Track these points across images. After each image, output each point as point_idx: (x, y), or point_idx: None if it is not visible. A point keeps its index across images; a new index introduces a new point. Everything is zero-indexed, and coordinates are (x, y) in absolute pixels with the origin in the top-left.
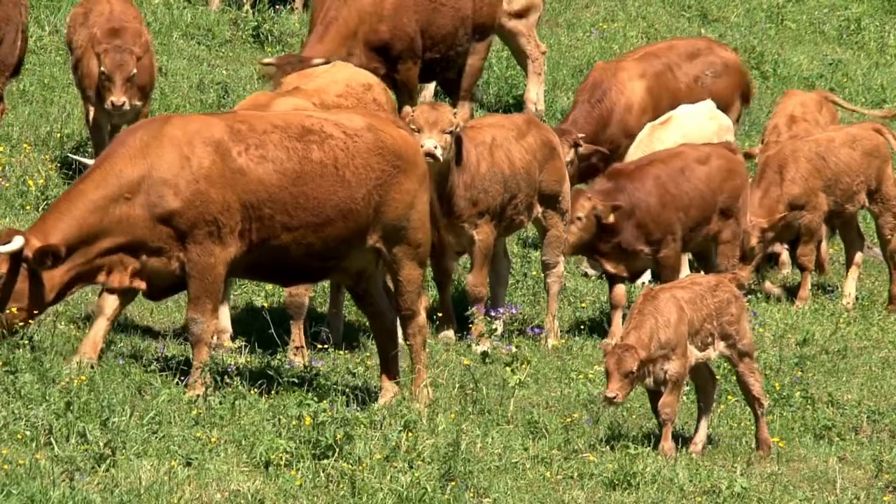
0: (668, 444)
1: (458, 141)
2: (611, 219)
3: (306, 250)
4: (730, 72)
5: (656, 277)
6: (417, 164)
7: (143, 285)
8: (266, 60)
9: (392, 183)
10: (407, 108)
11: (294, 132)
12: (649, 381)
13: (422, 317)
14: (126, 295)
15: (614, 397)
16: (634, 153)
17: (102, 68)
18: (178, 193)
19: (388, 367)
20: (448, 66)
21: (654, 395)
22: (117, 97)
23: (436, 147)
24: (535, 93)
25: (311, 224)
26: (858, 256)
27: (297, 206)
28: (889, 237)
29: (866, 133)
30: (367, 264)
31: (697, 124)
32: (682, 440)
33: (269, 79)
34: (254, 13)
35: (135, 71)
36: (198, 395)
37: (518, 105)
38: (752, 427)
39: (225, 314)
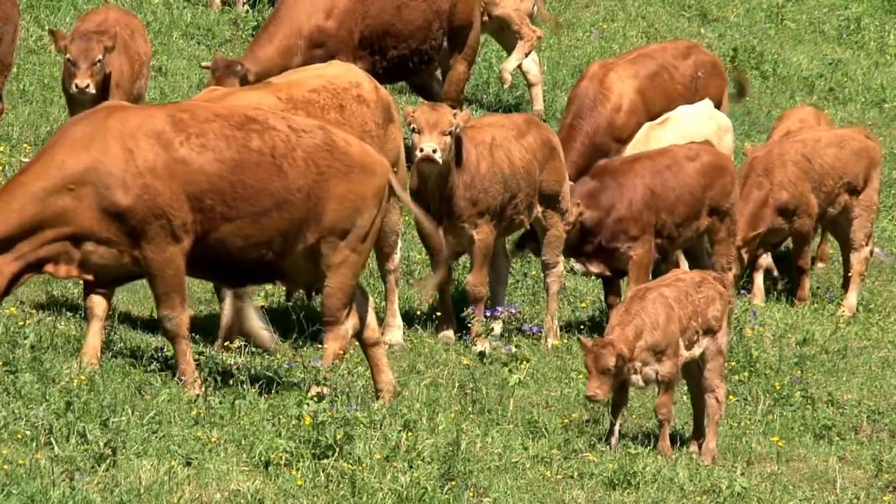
0: (665, 443)
1: (458, 141)
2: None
3: (244, 242)
4: (718, 71)
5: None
6: (374, 172)
7: (89, 277)
8: (204, 64)
9: (340, 182)
10: (408, 108)
11: (235, 121)
12: (637, 378)
13: (344, 327)
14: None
15: (593, 395)
16: (630, 152)
17: (68, 56)
18: (126, 190)
19: (379, 368)
20: (423, 59)
21: (620, 389)
22: (81, 79)
23: (434, 151)
24: (513, 64)
25: (249, 214)
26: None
27: (236, 195)
28: (862, 243)
29: (856, 134)
30: (315, 275)
31: (696, 124)
32: (682, 440)
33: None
34: (253, 13)
35: (101, 56)
36: (198, 395)
37: (518, 105)
38: (752, 427)
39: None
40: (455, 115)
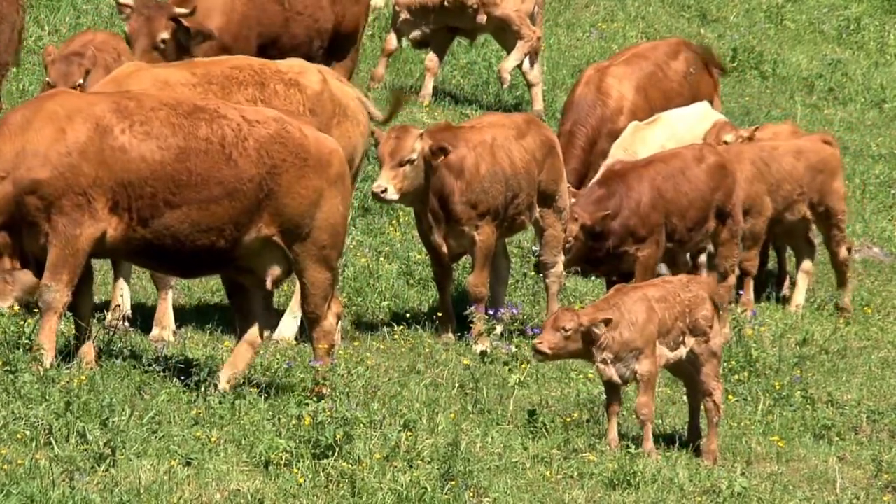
0: (649, 444)
1: (437, 154)
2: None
3: (191, 229)
4: (708, 70)
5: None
6: (330, 163)
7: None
8: (123, 0)
9: (295, 176)
10: (377, 132)
11: (183, 109)
12: (606, 370)
13: (328, 322)
14: (86, 286)
15: (538, 344)
16: (615, 152)
17: (48, 78)
18: (45, 164)
19: (235, 363)
20: None
21: (611, 389)
22: None
23: (384, 190)
24: (512, 64)
25: (196, 200)
26: (807, 264)
27: (181, 182)
28: (837, 249)
29: (813, 145)
30: (272, 263)
31: (687, 126)
32: (681, 440)
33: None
34: None
35: (81, 81)
36: (51, 365)
37: (517, 106)
38: (752, 427)
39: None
40: (421, 135)
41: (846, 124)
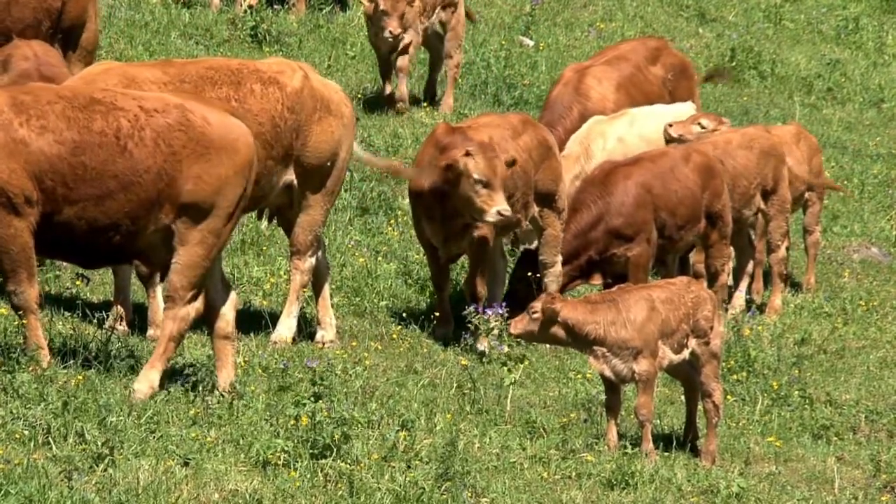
0: (649, 445)
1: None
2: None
3: (89, 226)
4: (687, 73)
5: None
6: (237, 150)
7: None
8: None
9: (195, 162)
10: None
11: (80, 102)
12: (598, 363)
13: (185, 310)
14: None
15: (511, 326)
16: (570, 146)
17: None
18: None
19: (223, 363)
20: None
21: (610, 389)
22: None
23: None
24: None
25: (91, 197)
26: (750, 266)
27: (76, 177)
28: (778, 243)
29: (762, 133)
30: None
31: (661, 125)
32: (678, 440)
33: None
34: (252, 12)
35: None
36: (49, 364)
37: (516, 105)
38: (750, 427)
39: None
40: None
41: (844, 124)
